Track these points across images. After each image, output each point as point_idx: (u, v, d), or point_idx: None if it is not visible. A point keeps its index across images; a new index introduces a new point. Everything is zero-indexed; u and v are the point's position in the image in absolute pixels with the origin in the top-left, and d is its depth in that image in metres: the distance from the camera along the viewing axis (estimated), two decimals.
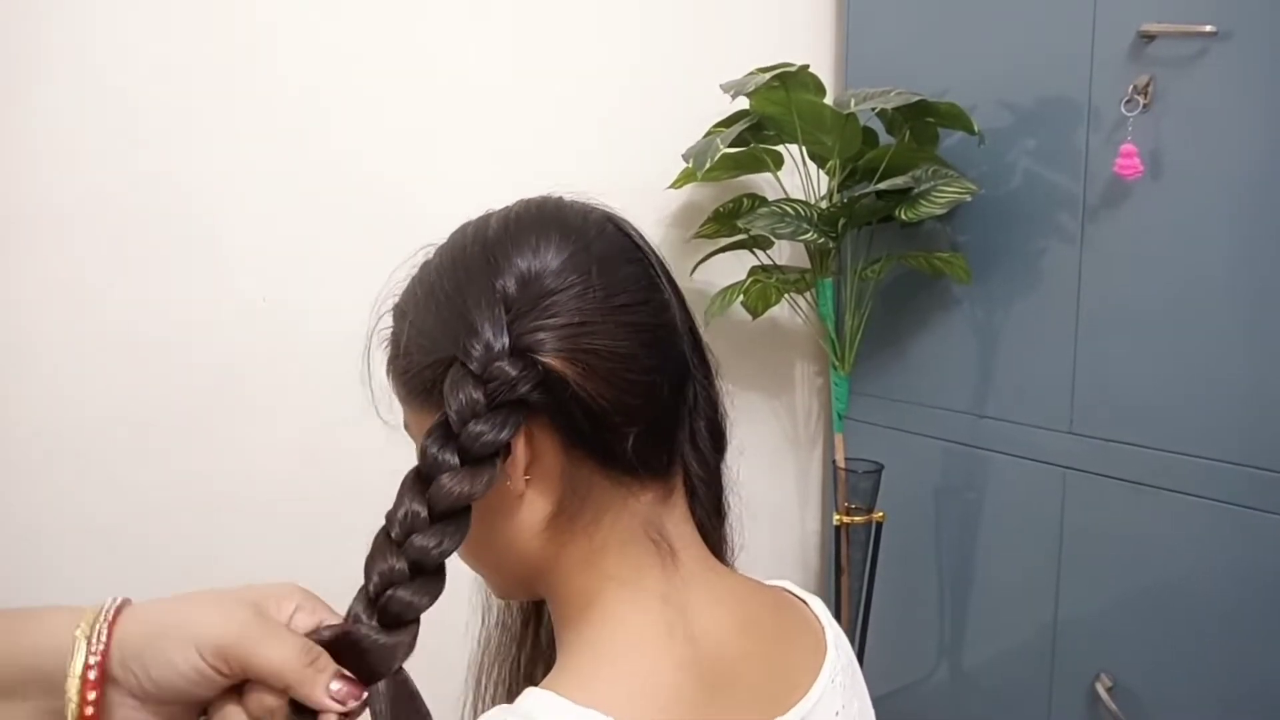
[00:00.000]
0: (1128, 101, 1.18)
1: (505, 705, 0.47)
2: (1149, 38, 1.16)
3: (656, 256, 0.54)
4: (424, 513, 0.44)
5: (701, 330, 0.56)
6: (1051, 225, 1.32)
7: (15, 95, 1.18)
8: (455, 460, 0.45)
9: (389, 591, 0.43)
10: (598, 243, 0.51)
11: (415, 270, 0.55)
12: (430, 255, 0.54)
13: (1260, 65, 1.08)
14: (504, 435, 0.45)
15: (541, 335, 0.46)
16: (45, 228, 1.20)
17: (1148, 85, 1.17)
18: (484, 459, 0.45)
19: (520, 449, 0.47)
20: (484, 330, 0.46)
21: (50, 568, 1.23)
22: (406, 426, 0.55)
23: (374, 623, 0.43)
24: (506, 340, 0.46)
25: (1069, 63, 1.27)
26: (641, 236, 0.54)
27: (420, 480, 0.45)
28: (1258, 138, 1.09)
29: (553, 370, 0.46)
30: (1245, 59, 1.09)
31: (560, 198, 0.55)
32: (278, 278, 1.33)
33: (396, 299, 0.55)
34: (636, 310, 0.49)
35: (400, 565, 0.43)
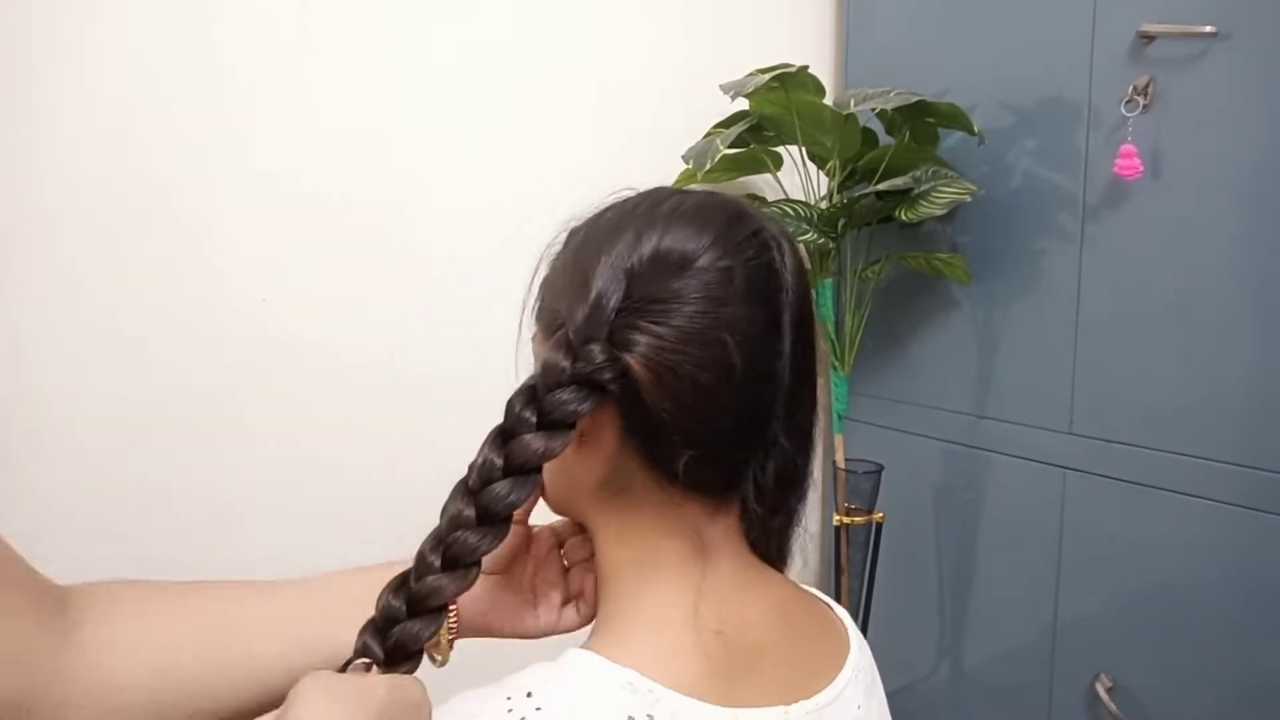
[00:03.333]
0: (1128, 102, 1.18)
1: (547, 661, 0.50)
2: (1149, 38, 1.16)
3: (801, 299, 0.53)
4: (500, 464, 0.47)
5: None
6: (1051, 226, 1.32)
7: (14, 96, 1.18)
8: (534, 420, 0.48)
9: (456, 533, 0.46)
10: (742, 269, 0.50)
11: (605, 204, 0.57)
12: (621, 198, 0.56)
13: (1260, 65, 1.08)
14: (584, 408, 0.48)
15: (638, 336, 0.48)
16: (44, 228, 1.20)
17: (1148, 86, 1.17)
18: (561, 425, 0.48)
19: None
20: (596, 303, 0.49)
21: (50, 568, 1.23)
22: (533, 339, 0.57)
23: (437, 562, 0.46)
24: (608, 326, 0.48)
25: (1069, 63, 1.27)
26: (800, 273, 0.54)
27: (502, 435, 0.48)
28: (1258, 138, 1.09)
29: (631, 371, 0.48)
30: (1245, 59, 1.09)
31: (746, 205, 0.55)
32: (278, 278, 1.33)
33: (577, 222, 0.57)
34: (737, 352, 0.49)
35: (469, 511, 0.46)
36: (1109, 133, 1.22)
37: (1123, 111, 1.19)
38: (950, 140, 1.45)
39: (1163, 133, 1.17)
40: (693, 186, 0.57)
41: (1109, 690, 1.24)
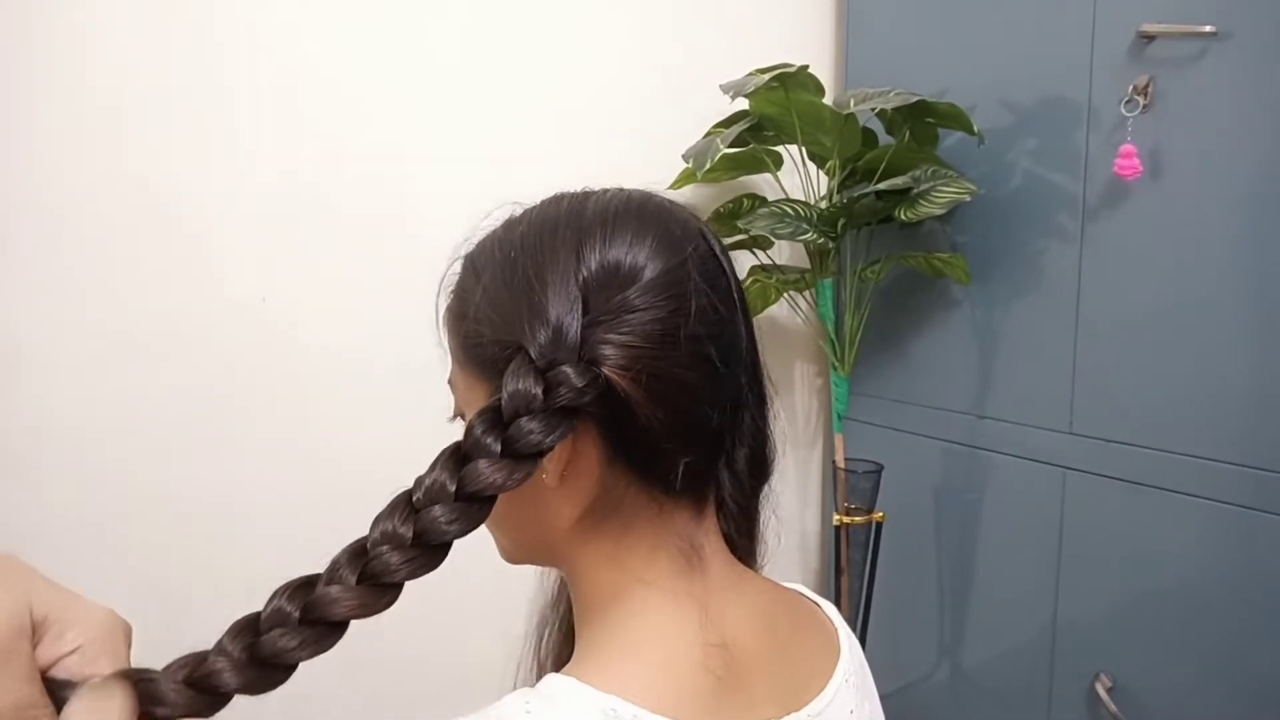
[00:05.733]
0: (1127, 102, 1.18)
1: (527, 688, 0.47)
2: (1149, 38, 1.16)
3: (737, 277, 0.53)
4: (451, 488, 0.43)
5: None
6: (1051, 225, 1.32)
7: (13, 97, 1.18)
8: (497, 448, 0.44)
9: (382, 549, 0.42)
10: (693, 261, 0.49)
11: (499, 226, 0.53)
12: (516, 214, 0.53)
13: (1260, 65, 1.08)
14: (552, 439, 0.44)
15: (613, 349, 0.46)
16: (44, 229, 1.20)
17: (1147, 85, 1.17)
18: (526, 456, 0.44)
19: (561, 447, 0.46)
20: (556, 324, 0.46)
21: (50, 568, 1.23)
22: (451, 382, 0.54)
23: (353, 577, 0.41)
24: (578, 343, 0.45)
25: (1069, 63, 1.27)
26: (726, 254, 0.53)
27: (458, 456, 0.44)
28: (1258, 138, 1.09)
29: (615, 385, 0.45)
30: (1245, 59, 1.09)
31: (661, 199, 0.53)
32: (277, 278, 1.33)
33: (473, 249, 0.53)
34: (711, 342, 0.48)
35: (405, 530, 0.42)
36: (1109, 133, 1.22)
37: (1123, 111, 1.19)
38: (950, 140, 1.45)
39: (1163, 133, 1.17)
40: (657, 192, 0.54)
41: (1109, 690, 1.24)
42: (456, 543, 0.44)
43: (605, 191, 0.53)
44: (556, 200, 0.52)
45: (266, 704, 0.40)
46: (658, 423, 0.47)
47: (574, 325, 0.46)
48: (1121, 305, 1.24)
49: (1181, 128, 1.15)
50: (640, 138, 1.56)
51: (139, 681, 0.37)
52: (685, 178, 1.51)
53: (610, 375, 0.45)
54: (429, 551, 0.42)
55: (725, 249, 0.53)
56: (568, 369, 0.45)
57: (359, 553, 0.42)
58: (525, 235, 0.51)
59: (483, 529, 0.55)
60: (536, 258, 0.49)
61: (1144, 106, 1.17)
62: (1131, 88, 1.18)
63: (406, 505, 0.43)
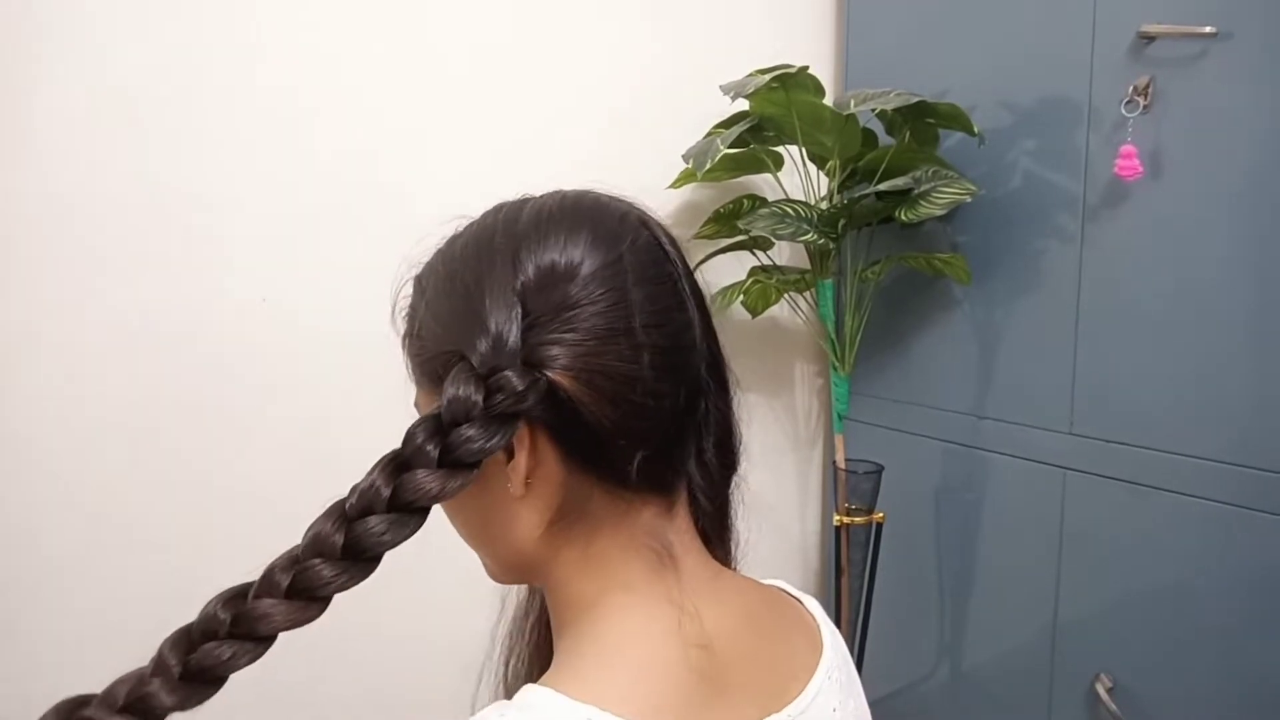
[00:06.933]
0: (1128, 102, 1.18)
1: (503, 701, 0.47)
2: (1149, 38, 1.16)
3: (685, 266, 0.52)
4: (386, 496, 0.43)
5: None
6: (1051, 226, 1.32)
7: (15, 96, 1.18)
8: (435, 456, 0.43)
9: (313, 560, 0.41)
10: (630, 254, 0.49)
11: (443, 241, 0.53)
12: (460, 228, 0.53)
13: (1260, 66, 1.08)
14: (491, 444, 0.44)
15: (555, 350, 0.45)
16: (45, 228, 1.20)
17: (1148, 86, 1.17)
18: (464, 465, 0.44)
19: (523, 456, 0.47)
20: (496, 331, 0.45)
21: (50, 568, 1.23)
22: (417, 405, 0.54)
23: (284, 586, 0.41)
24: (518, 348, 0.45)
25: (1069, 63, 1.27)
26: (674, 244, 0.52)
27: (396, 465, 0.44)
28: (1258, 138, 1.09)
29: (559, 387, 0.45)
30: (1245, 60, 1.09)
31: (598, 195, 0.53)
32: (277, 278, 1.33)
33: (420, 269, 0.53)
34: (655, 331, 0.48)
35: (337, 538, 0.42)
36: (1109, 133, 1.22)
37: (1123, 111, 1.19)
38: (950, 140, 1.45)
39: (1163, 133, 1.17)
40: (619, 199, 0.54)
41: (1109, 690, 1.24)
42: (445, 540, 0.44)
43: (542, 196, 0.52)
44: (495, 210, 0.53)
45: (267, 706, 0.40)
46: (606, 419, 0.46)
47: (513, 330, 0.45)
48: (1121, 306, 1.24)
49: (1181, 128, 1.15)
50: (640, 138, 1.56)
51: (72, 714, 0.38)
52: (685, 178, 1.51)
53: (553, 377, 0.45)
54: (361, 564, 0.42)
55: (673, 238, 0.53)
56: (509, 373, 0.44)
57: (292, 562, 0.42)
58: (465, 247, 0.51)
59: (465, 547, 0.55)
60: (475, 267, 0.48)
61: (1144, 107, 1.17)
62: (1131, 88, 1.18)
63: (340, 514, 0.43)
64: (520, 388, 0.44)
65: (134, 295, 1.25)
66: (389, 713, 1.43)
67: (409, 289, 0.54)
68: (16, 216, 1.19)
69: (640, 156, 1.54)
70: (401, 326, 0.54)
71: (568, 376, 0.45)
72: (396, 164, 1.39)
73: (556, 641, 0.52)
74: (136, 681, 0.39)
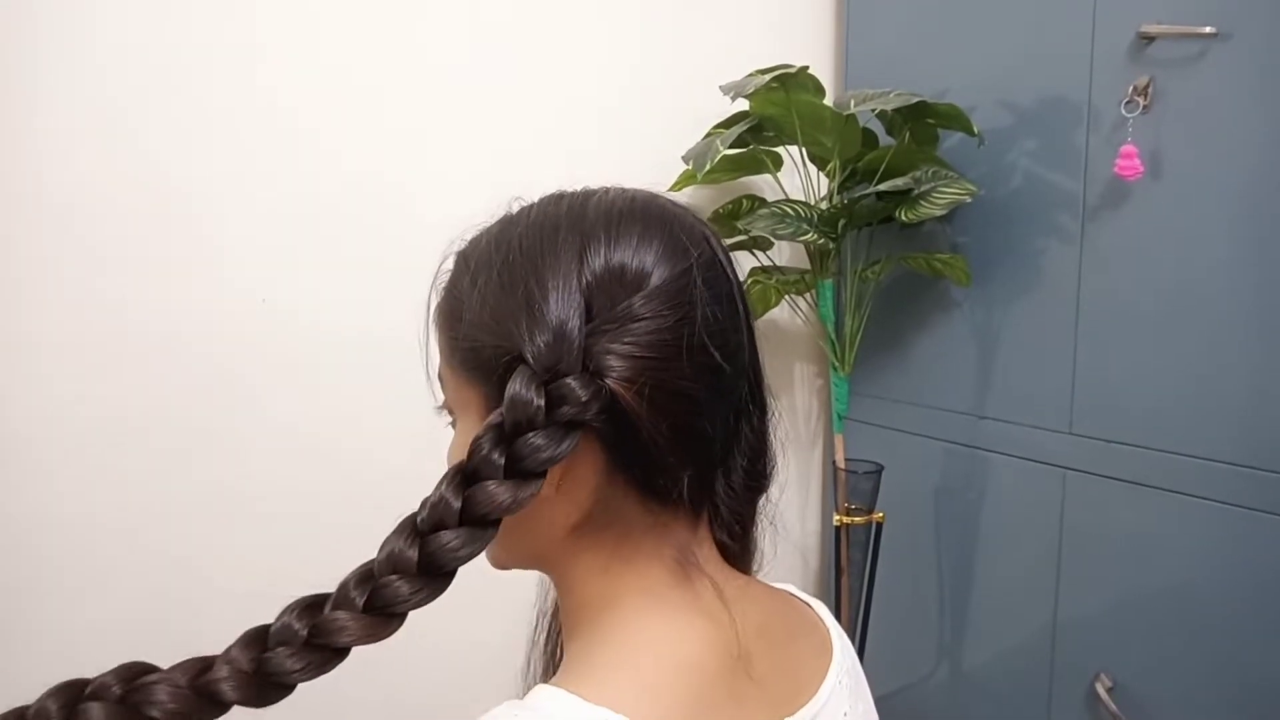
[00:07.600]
0: (1128, 102, 1.18)
1: (515, 700, 0.46)
2: (1149, 39, 1.16)
3: (740, 283, 0.51)
4: (457, 509, 0.42)
5: None
6: (1051, 226, 1.32)
7: (14, 95, 1.18)
8: (502, 465, 0.42)
9: (389, 576, 0.41)
10: (698, 268, 0.47)
11: (495, 224, 0.51)
12: (514, 212, 0.51)
13: (1260, 66, 1.08)
14: (560, 452, 0.43)
15: (617, 359, 0.44)
16: (44, 228, 1.20)
17: (1147, 86, 1.17)
18: (531, 473, 0.43)
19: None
20: (558, 331, 0.44)
21: (50, 568, 1.23)
22: (441, 378, 0.52)
23: (359, 602, 0.40)
24: (579, 354, 0.43)
25: (1069, 63, 1.27)
26: (731, 261, 0.51)
27: (464, 477, 0.43)
28: (1258, 138, 1.09)
29: (619, 398, 0.44)
30: (1245, 60, 1.09)
31: (664, 200, 0.51)
32: (277, 278, 1.33)
33: (465, 245, 0.52)
34: (715, 353, 0.47)
35: (412, 554, 0.41)
36: (1109, 133, 1.22)
37: (1123, 112, 1.19)
38: (950, 140, 1.45)
39: (1163, 133, 1.17)
40: (636, 193, 0.52)
41: (1109, 690, 1.24)
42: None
43: (608, 191, 0.51)
44: (557, 199, 0.51)
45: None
46: (660, 436, 0.45)
47: (576, 332, 0.44)
48: (1121, 305, 1.24)
49: (1181, 128, 1.15)
50: (640, 138, 1.56)
51: (135, 678, 0.37)
52: (685, 179, 1.51)
53: (614, 388, 0.44)
54: (437, 579, 0.42)
55: (729, 253, 0.52)
56: (571, 381, 0.43)
57: (367, 577, 0.41)
58: (524, 236, 0.49)
59: None
60: (536, 260, 0.47)
61: (1144, 107, 1.17)
62: (1131, 88, 1.18)
63: (411, 529, 0.42)
64: (585, 397, 0.43)
65: (134, 295, 1.25)
66: (405, 712, 1.43)
67: (449, 264, 0.52)
68: (16, 217, 1.19)
69: (640, 158, 1.54)
70: (436, 299, 0.52)
71: (628, 388, 0.44)
72: (397, 164, 1.39)
73: (568, 642, 0.52)
74: (201, 669, 0.39)
